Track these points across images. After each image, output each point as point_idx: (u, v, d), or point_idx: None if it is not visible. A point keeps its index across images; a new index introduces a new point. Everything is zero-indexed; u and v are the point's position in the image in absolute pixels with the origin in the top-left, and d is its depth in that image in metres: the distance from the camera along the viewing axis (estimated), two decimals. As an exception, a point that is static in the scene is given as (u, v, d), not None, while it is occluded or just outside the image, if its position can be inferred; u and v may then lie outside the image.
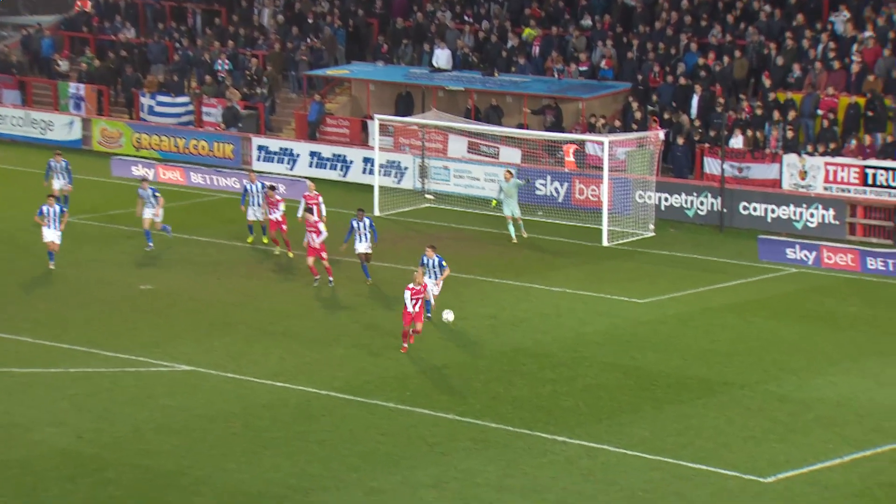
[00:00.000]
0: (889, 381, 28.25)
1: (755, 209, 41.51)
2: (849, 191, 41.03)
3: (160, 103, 52.80)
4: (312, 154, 48.70)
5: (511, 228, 39.77)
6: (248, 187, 38.62)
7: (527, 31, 49.75)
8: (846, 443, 24.90)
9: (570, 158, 42.65)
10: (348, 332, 31.51)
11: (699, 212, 42.33)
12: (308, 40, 52.80)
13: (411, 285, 29.85)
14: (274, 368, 28.98)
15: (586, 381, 28.23)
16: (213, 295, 34.45)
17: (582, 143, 43.64)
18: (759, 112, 43.56)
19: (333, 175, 48.05)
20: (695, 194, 42.33)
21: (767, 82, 44.42)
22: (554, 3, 50.42)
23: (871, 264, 36.81)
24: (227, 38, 54.45)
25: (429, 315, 31.35)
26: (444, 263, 31.82)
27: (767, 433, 25.37)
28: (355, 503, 22.35)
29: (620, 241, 40.25)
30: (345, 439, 25.08)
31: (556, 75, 47.99)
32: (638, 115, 45.10)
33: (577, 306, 33.54)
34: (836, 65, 43.85)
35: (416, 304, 29.65)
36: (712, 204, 42.00)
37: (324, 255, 34.47)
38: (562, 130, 45.86)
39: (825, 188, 41.39)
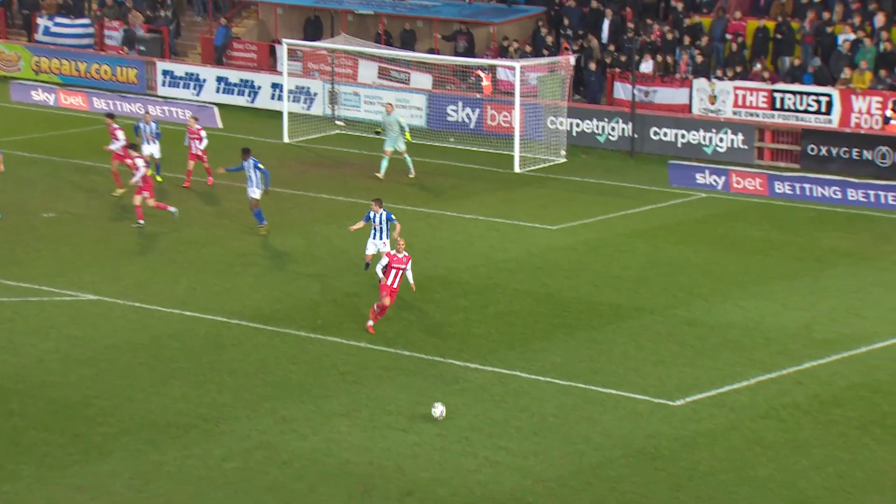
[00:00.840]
0: (795, 304, 28.53)
1: (665, 134, 41.59)
2: (757, 115, 41.24)
3: (58, 24, 51.51)
4: (219, 79, 47.95)
5: (384, 164, 37.95)
6: (141, 126, 37.25)
7: (437, -45, 49.26)
8: (753, 365, 25.14)
9: (487, 83, 42.26)
10: (258, 261, 31.16)
11: (610, 137, 42.33)
12: (214, -38, 51.90)
13: (392, 251, 26.58)
14: (182, 297, 28.59)
15: (498, 307, 28.20)
16: (120, 224, 33.89)
17: (494, 69, 43.35)
18: (669, 37, 43.51)
19: (241, 101, 47.41)
20: (606, 120, 42.30)
21: (679, 6, 44.36)
22: (464, -74, 49.89)
23: (779, 188, 37.12)
24: (130, -42, 53.32)
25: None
26: (392, 218, 28.66)
27: (676, 357, 25.53)
28: (267, 432, 22.15)
29: (532, 168, 40.17)
30: (256, 368, 24.83)
31: (468, -1, 47.63)
32: (549, 39, 44.86)
33: (489, 233, 33.45)
34: (746, -11, 43.97)
35: (396, 276, 26.19)
36: (623, 129, 42.01)
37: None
38: (473, 56, 45.54)
39: (734, 112, 41.55)
